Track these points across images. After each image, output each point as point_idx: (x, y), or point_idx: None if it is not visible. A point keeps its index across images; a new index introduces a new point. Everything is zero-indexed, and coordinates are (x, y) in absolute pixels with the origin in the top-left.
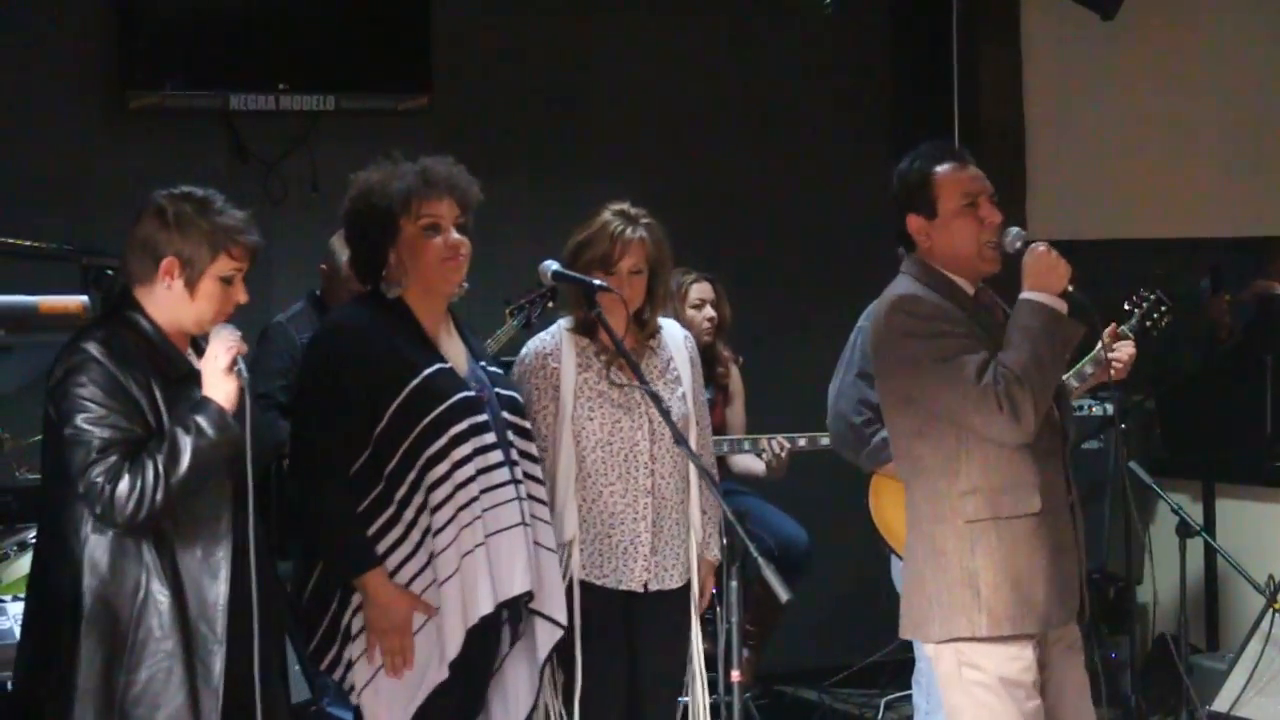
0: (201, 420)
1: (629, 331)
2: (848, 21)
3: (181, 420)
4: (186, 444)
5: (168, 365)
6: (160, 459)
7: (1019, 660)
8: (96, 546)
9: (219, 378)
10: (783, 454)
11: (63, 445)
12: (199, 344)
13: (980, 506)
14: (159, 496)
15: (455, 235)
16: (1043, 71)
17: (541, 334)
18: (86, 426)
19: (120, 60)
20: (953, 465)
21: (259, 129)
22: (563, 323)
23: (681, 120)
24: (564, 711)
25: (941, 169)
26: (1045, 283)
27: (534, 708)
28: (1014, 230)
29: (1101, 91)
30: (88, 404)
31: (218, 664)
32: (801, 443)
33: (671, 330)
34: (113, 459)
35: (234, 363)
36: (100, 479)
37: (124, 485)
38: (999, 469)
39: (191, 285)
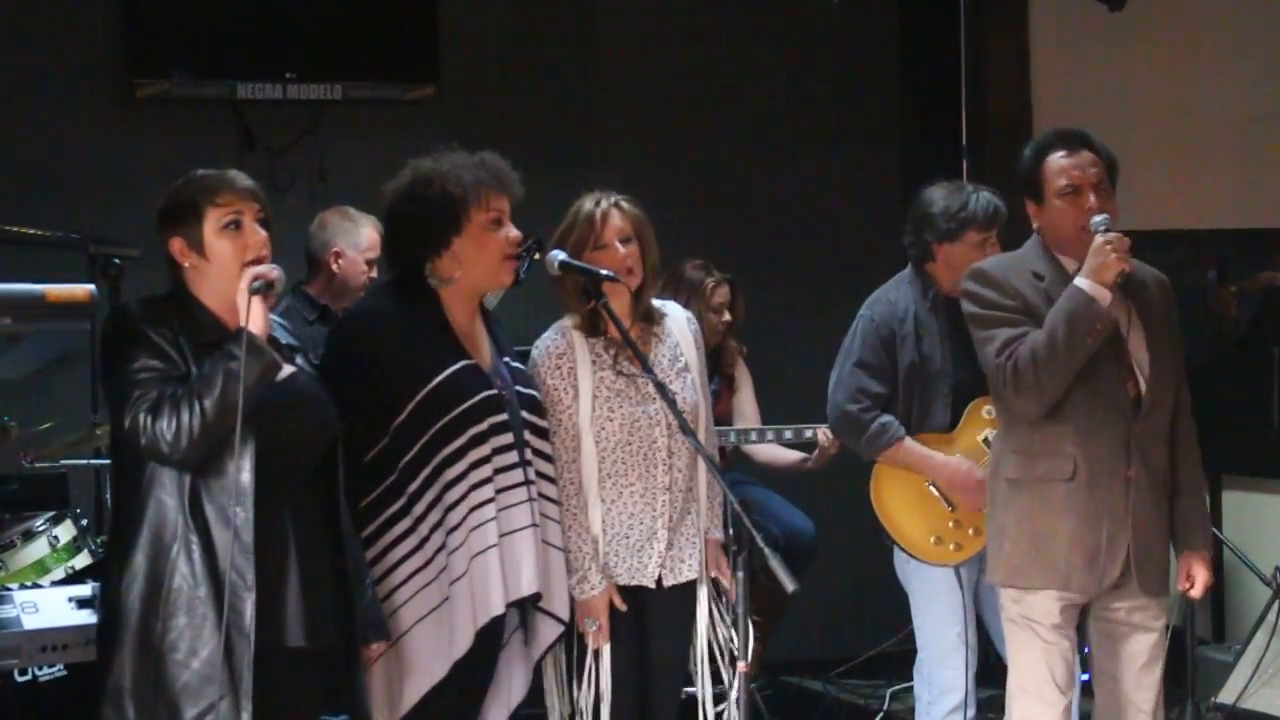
0: (231, 345)
1: (634, 322)
2: (855, 13)
3: (216, 354)
4: (218, 369)
5: (199, 329)
6: (194, 387)
7: (1038, 606)
8: (146, 499)
9: (242, 303)
10: (828, 446)
11: (108, 401)
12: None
13: (1017, 467)
14: (195, 423)
15: (515, 231)
16: (1050, 62)
17: (548, 334)
18: (124, 373)
19: (128, 49)
20: (1008, 426)
21: (266, 118)
22: (566, 322)
23: (688, 111)
24: (571, 707)
25: (1051, 156)
26: (1095, 272)
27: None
28: (1098, 218)
29: (1109, 82)
30: (122, 354)
31: (249, 610)
32: (807, 434)
33: (675, 314)
34: (151, 395)
35: (253, 280)
36: (142, 416)
37: (164, 418)
38: (1039, 434)
39: (201, 251)
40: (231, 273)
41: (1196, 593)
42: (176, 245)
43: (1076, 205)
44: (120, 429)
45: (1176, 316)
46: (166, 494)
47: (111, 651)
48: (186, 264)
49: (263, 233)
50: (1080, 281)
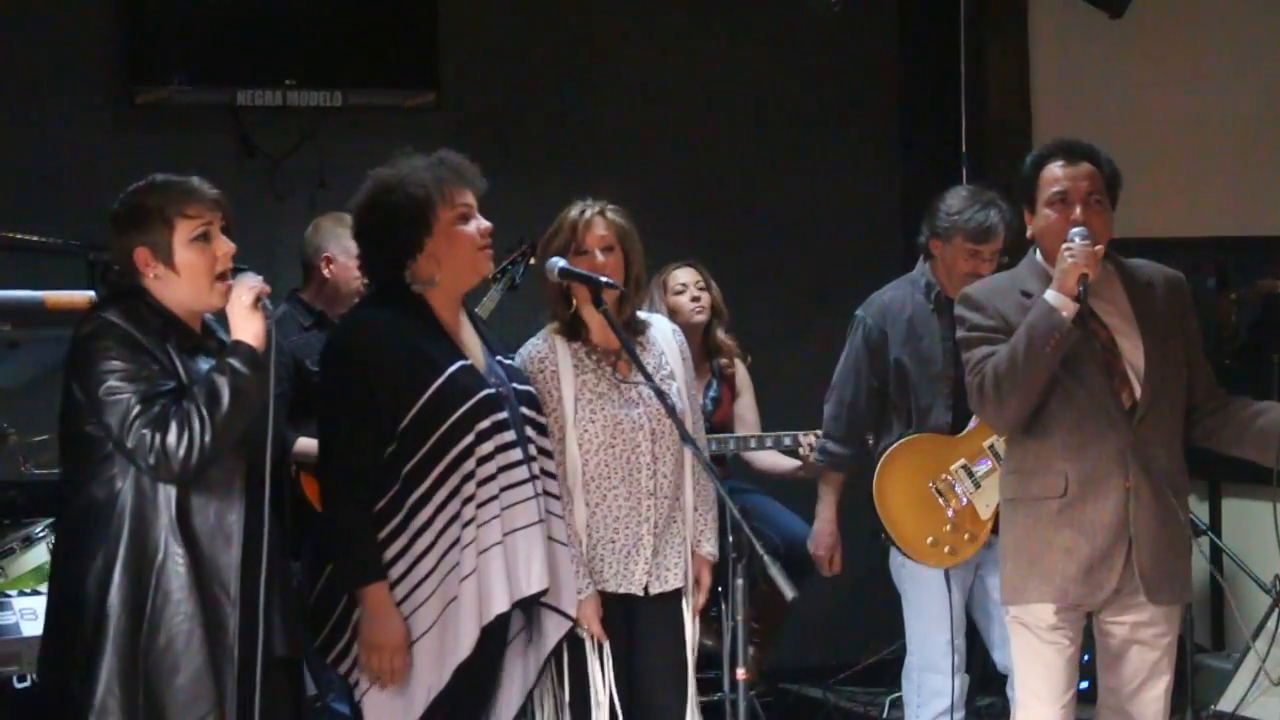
0: (234, 360)
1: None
2: (856, 20)
3: (215, 366)
4: (224, 384)
5: (181, 335)
6: (201, 402)
7: (1033, 611)
8: (124, 512)
9: (244, 317)
10: (808, 455)
11: (97, 412)
12: (210, 330)
13: (1013, 486)
14: (208, 439)
15: (485, 222)
16: (1050, 70)
17: (532, 340)
18: (120, 384)
19: (127, 55)
20: (1008, 445)
21: (266, 125)
22: (549, 327)
23: (687, 117)
24: (559, 713)
25: (1049, 165)
26: (1059, 282)
27: (528, 703)
28: (1075, 230)
29: (1109, 90)
30: (116, 363)
31: (233, 626)
32: (803, 440)
33: (660, 326)
34: (155, 409)
35: (257, 299)
36: (147, 431)
37: (173, 433)
38: (1032, 453)
39: (170, 262)
40: (201, 285)
41: None
42: (142, 255)
43: (1064, 215)
44: (84, 449)
45: (1191, 312)
46: (150, 506)
47: (94, 667)
48: (151, 274)
49: (230, 244)
50: (1048, 294)
